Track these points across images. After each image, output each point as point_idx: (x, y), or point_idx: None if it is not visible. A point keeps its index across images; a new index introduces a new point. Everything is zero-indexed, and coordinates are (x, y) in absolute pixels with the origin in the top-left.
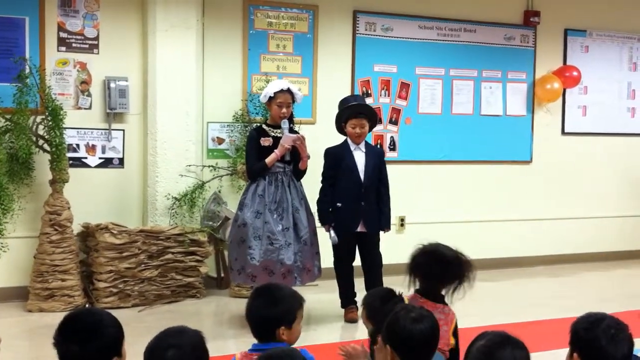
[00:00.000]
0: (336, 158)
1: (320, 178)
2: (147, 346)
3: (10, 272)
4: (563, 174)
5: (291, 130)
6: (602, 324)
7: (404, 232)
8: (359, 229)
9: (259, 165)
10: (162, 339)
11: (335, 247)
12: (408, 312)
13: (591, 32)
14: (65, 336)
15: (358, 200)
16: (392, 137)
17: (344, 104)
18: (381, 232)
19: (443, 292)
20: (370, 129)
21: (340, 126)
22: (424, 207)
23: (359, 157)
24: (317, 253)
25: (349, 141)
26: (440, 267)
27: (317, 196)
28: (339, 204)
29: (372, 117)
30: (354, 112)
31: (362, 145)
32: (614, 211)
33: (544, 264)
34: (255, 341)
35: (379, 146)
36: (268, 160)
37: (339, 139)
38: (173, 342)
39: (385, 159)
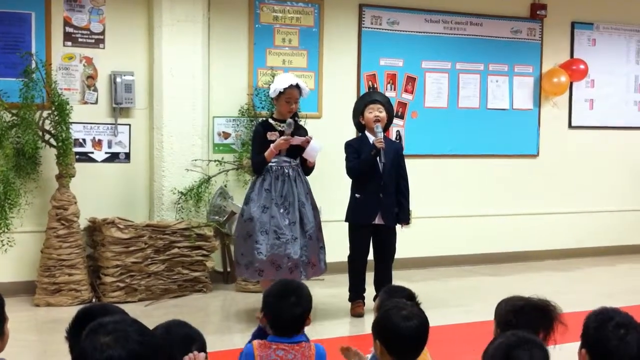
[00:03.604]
0: (357, 150)
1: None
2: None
3: (17, 266)
4: (570, 167)
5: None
6: (611, 322)
7: (411, 226)
8: (376, 221)
9: (258, 159)
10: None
11: (351, 238)
12: (399, 310)
13: (598, 25)
14: (77, 331)
15: (377, 193)
16: (398, 131)
17: (359, 99)
18: (398, 226)
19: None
20: (389, 122)
21: (358, 121)
22: (430, 201)
23: None
24: (323, 247)
25: (368, 134)
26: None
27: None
28: (357, 195)
29: (387, 104)
30: (370, 99)
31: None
32: (621, 205)
33: (550, 258)
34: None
35: (397, 140)
36: (266, 154)
37: (344, 133)
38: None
39: None
